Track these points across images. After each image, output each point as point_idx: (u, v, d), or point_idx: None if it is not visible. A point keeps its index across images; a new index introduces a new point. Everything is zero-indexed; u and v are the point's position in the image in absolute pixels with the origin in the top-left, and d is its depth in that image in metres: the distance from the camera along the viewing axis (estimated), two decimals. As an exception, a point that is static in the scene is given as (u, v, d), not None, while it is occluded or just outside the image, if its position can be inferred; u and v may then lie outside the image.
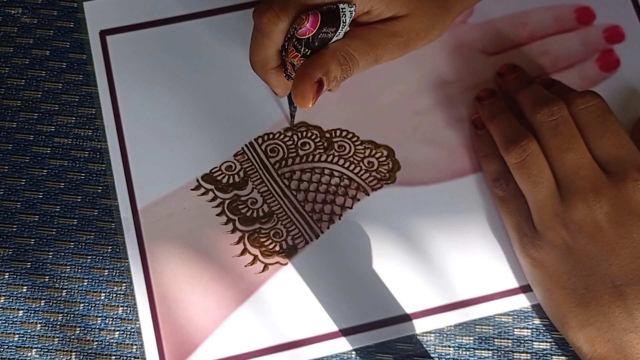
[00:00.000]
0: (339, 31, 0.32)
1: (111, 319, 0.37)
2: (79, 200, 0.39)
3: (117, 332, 0.37)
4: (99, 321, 0.37)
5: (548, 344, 0.37)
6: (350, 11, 0.31)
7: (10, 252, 0.38)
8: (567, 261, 0.34)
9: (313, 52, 0.32)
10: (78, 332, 0.37)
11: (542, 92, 0.37)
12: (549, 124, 0.35)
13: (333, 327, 0.37)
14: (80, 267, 0.38)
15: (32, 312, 0.37)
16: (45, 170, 0.39)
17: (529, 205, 0.35)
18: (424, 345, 0.37)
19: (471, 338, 0.37)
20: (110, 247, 0.38)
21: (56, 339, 0.37)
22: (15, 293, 0.38)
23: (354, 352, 0.37)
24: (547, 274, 0.35)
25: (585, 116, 0.35)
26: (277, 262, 0.38)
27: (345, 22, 0.31)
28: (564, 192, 0.34)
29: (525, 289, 0.37)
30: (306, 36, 0.31)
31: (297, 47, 0.32)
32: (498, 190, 0.37)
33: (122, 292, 0.38)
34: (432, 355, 0.37)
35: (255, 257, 0.38)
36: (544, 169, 0.35)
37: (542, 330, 0.37)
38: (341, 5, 0.31)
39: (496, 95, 0.39)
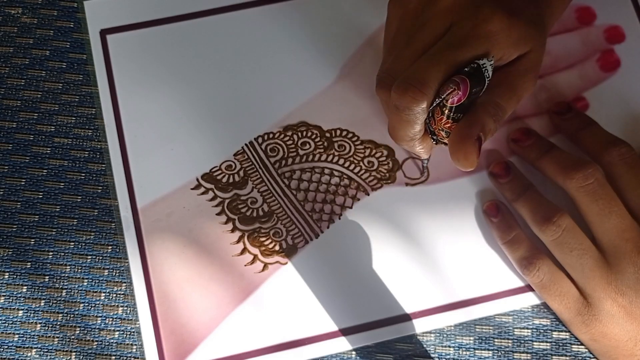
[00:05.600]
0: (485, 87, 0.31)
1: (111, 319, 0.37)
2: (79, 200, 0.39)
3: (117, 332, 0.37)
4: (99, 321, 0.37)
5: (548, 344, 0.37)
6: (490, 65, 0.31)
7: (10, 252, 0.38)
8: (629, 328, 0.33)
9: (464, 114, 0.31)
10: (78, 332, 0.37)
11: (567, 156, 0.36)
12: (585, 189, 0.34)
13: (333, 327, 0.37)
14: (80, 267, 0.38)
15: (32, 312, 0.37)
16: (45, 170, 0.39)
17: (575, 279, 0.35)
18: (424, 345, 0.37)
19: (471, 338, 0.37)
20: (110, 247, 0.38)
21: (56, 339, 0.37)
22: (15, 293, 0.38)
23: (353, 352, 0.37)
24: (611, 345, 0.34)
25: (621, 167, 0.35)
26: (276, 262, 0.38)
27: (489, 77, 0.31)
28: (610, 257, 0.34)
29: (525, 289, 0.37)
30: (457, 103, 0.30)
31: (447, 115, 0.31)
32: (534, 279, 0.36)
33: (122, 292, 0.38)
34: (432, 355, 0.37)
35: (255, 257, 0.38)
36: (584, 240, 0.34)
37: (542, 330, 0.37)
38: (481, 62, 0.30)
39: (512, 171, 0.38)
